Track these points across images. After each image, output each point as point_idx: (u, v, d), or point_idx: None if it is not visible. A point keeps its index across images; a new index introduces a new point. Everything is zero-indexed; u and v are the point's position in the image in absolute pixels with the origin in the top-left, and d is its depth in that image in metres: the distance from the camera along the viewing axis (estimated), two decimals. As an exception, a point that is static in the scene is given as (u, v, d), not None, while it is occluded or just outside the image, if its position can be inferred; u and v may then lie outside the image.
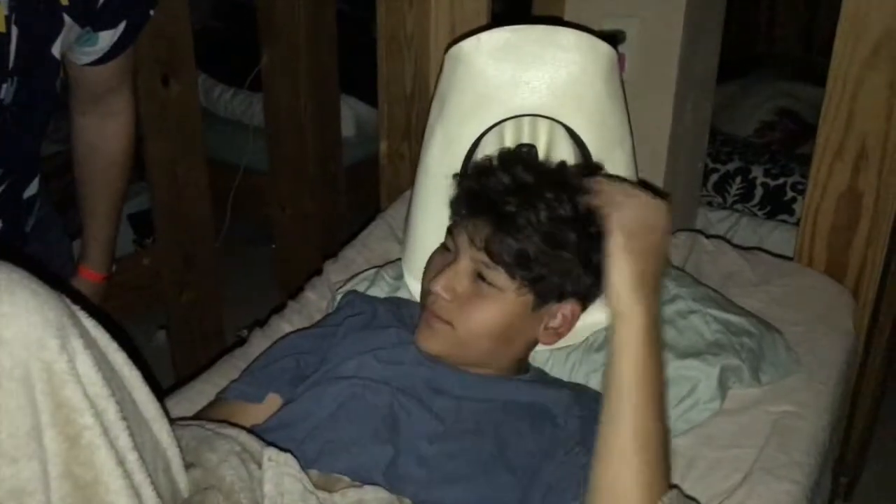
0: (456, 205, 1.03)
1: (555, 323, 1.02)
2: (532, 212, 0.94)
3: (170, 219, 2.00)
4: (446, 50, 1.18)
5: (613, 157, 1.14)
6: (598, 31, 1.47)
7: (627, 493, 0.84)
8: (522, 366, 1.07)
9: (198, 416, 1.03)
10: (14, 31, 0.98)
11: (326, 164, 2.45)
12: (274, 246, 2.49)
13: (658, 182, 1.57)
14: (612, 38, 1.49)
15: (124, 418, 0.70)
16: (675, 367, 1.08)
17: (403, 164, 1.63)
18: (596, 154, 1.13)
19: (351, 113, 2.60)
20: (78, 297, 0.76)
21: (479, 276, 0.98)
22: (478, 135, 1.13)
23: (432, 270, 1.02)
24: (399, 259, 1.28)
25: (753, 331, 1.16)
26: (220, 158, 2.65)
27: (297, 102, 2.24)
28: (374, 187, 1.77)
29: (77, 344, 0.66)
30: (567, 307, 1.01)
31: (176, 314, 2.11)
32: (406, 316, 1.11)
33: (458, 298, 0.98)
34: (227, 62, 2.69)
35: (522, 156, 1.06)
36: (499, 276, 0.97)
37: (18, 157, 1.16)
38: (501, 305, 0.98)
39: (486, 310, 0.98)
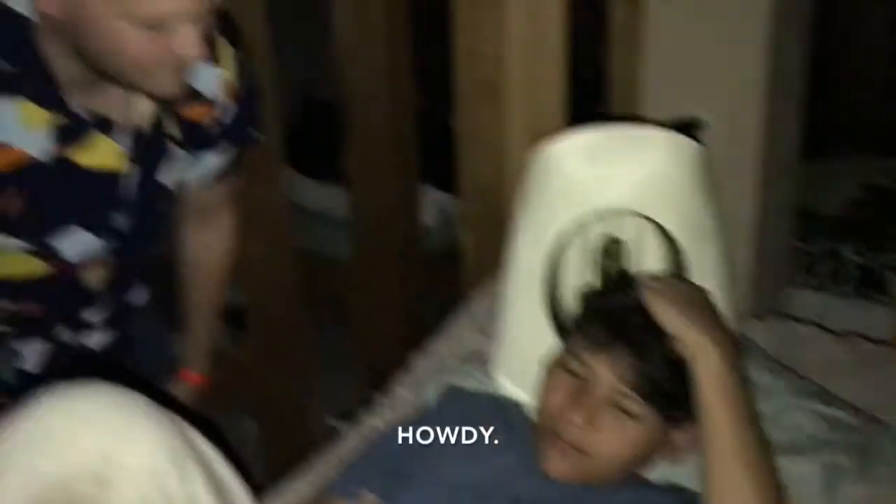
0: (585, 327, 1.04)
1: (680, 442, 1.03)
2: (666, 339, 0.98)
3: (261, 313, 2.07)
4: (530, 149, 1.21)
5: (703, 252, 1.15)
6: (675, 119, 1.50)
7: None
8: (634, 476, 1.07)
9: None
10: (133, 169, 1.05)
11: (408, 253, 2.51)
12: (356, 332, 2.54)
13: (744, 266, 1.56)
14: (692, 126, 1.51)
15: None
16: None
17: (485, 255, 1.66)
18: (685, 249, 1.13)
19: (431, 202, 2.66)
20: (180, 405, 0.80)
21: (617, 406, 0.99)
22: (565, 233, 1.15)
23: (557, 392, 1.01)
24: (487, 355, 1.30)
25: (860, 425, 1.12)
26: (306, 249, 2.75)
27: (379, 194, 2.31)
28: (454, 274, 1.80)
29: (193, 469, 0.69)
30: (693, 427, 1.01)
31: (265, 405, 2.16)
32: (512, 419, 1.11)
33: (594, 426, 0.98)
34: (314, 158, 2.80)
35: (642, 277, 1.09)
36: (639, 406, 0.98)
37: (134, 277, 1.24)
38: (639, 433, 0.99)
39: (625, 439, 0.99)
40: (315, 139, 2.91)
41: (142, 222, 1.12)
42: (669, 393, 0.97)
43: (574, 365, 1.02)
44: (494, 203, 1.65)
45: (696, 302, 1.01)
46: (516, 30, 1.53)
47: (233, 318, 2.38)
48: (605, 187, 1.13)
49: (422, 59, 2.23)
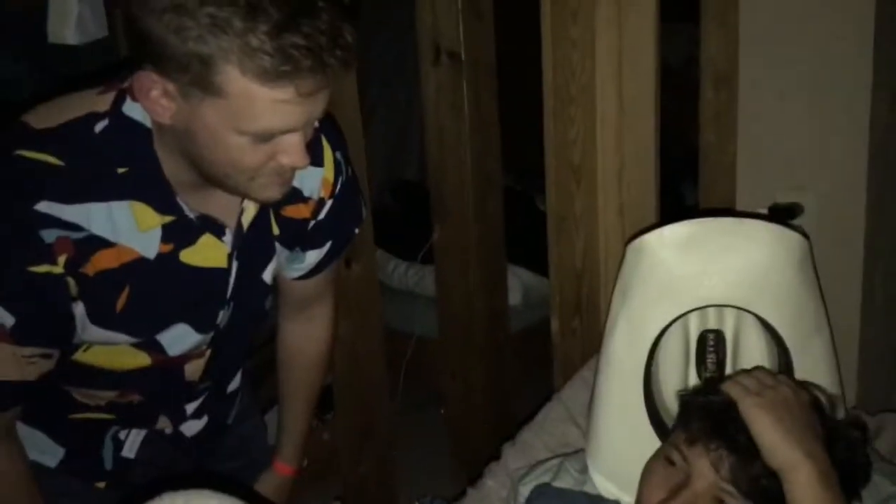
0: (685, 422, 1.01)
1: None
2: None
3: (349, 393, 2.07)
4: (627, 243, 1.20)
5: (811, 346, 1.10)
6: (773, 205, 1.46)
7: None
8: None
9: None
10: (234, 265, 1.08)
11: (494, 332, 2.48)
12: (443, 412, 2.52)
13: (850, 362, 1.48)
14: (789, 213, 1.46)
15: None
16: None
17: (575, 341, 1.64)
18: (791, 344, 1.09)
19: (517, 282, 2.65)
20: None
21: (717, 500, 0.96)
22: (663, 326, 1.12)
23: (657, 488, 1.00)
24: (581, 450, 1.26)
25: None
26: (393, 327, 2.76)
27: (466, 274, 2.31)
28: (541, 355, 1.78)
29: None
30: None
31: (352, 486, 2.14)
32: None
33: None
34: (402, 238, 2.84)
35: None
36: (739, 503, 0.95)
37: (231, 367, 1.26)
38: None
39: None
40: (403, 219, 2.95)
41: (241, 316, 1.14)
42: (769, 492, 0.92)
43: (675, 457, 0.99)
44: (585, 288, 1.63)
45: (792, 408, 0.95)
46: (607, 114, 1.53)
47: (321, 398, 2.41)
48: (704, 281, 1.10)
49: (510, 139, 2.25)
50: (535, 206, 2.85)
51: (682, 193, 2.64)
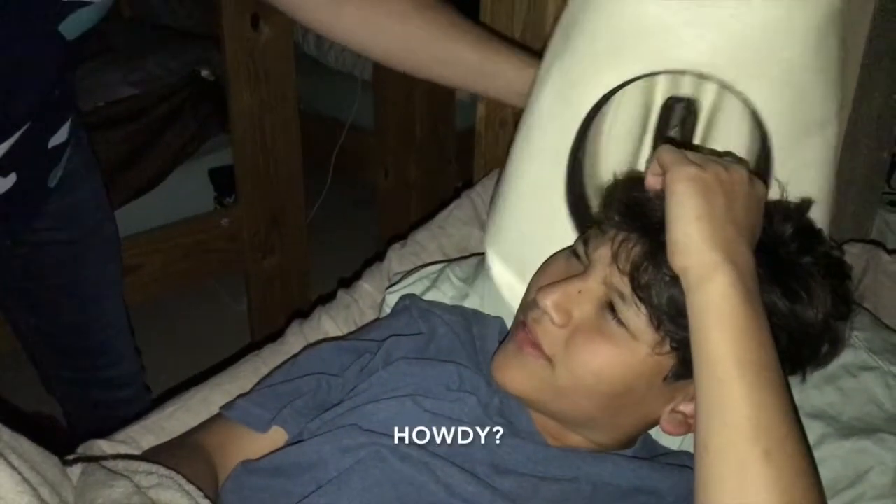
0: (607, 207, 0.75)
1: (688, 409, 0.73)
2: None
3: (253, 175, 1.82)
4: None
5: (806, 146, 0.82)
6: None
7: None
8: (626, 441, 0.78)
9: (192, 434, 0.81)
10: None
11: (436, 126, 2.22)
12: (375, 211, 2.29)
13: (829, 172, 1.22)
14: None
15: None
16: (837, 447, 0.76)
17: (505, 132, 1.35)
18: (781, 139, 0.81)
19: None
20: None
21: (610, 308, 0.71)
22: (611, 88, 0.83)
23: (549, 275, 0.76)
24: (473, 255, 1.02)
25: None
26: (327, 113, 2.47)
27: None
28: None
29: None
30: None
31: (257, 279, 1.94)
32: (477, 340, 0.85)
33: (571, 327, 0.71)
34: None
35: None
36: (636, 316, 0.69)
37: (15, 93, 0.97)
38: (626, 356, 0.70)
39: (603, 354, 0.70)
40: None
41: (10, 33, 0.84)
42: (682, 314, 0.66)
43: (580, 248, 0.76)
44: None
45: (736, 199, 0.66)
46: None
47: (220, 179, 2.15)
48: (683, 35, 0.79)
49: None
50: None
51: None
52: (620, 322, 0.70)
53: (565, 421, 0.75)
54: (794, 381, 0.73)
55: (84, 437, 0.84)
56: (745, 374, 0.61)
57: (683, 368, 0.69)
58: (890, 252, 1.12)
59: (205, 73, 2.02)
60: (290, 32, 1.79)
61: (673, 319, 0.67)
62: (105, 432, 0.85)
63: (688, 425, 0.73)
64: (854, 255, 1.09)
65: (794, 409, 0.63)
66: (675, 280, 0.66)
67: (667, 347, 0.69)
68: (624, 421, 0.75)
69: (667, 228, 0.65)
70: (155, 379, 1.42)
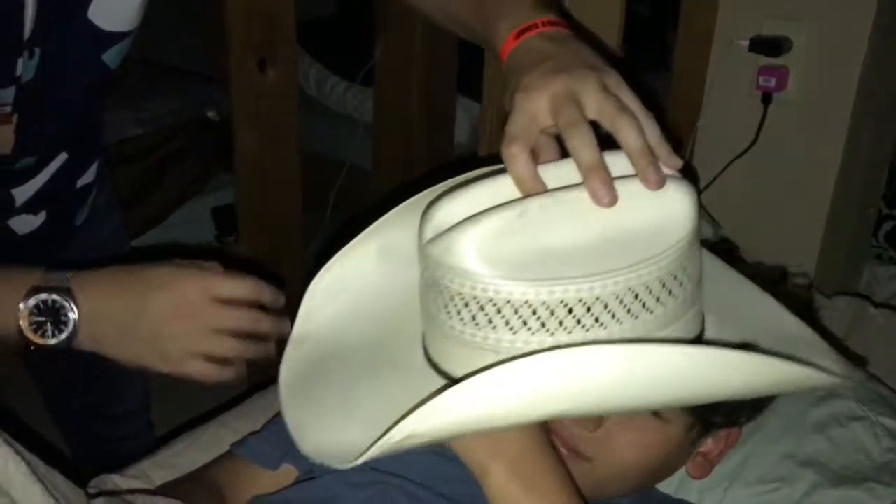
0: None
1: (706, 447, 0.78)
2: None
3: (253, 215, 1.85)
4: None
5: None
6: (755, 37, 1.21)
7: None
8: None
9: (204, 470, 0.84)
10: None
11: (435, 165, 2.27)
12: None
13: (818, 228, 1.27)
14: (775, 47, 1.21)
15: None
16: (827, 496, 0.79)
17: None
18: None
19: (466, 116, 2.39)
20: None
21: None
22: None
23: None
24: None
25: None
26: (328, 155, 2.52)
27: (409, 100, 2.05)
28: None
29: None
30: (729, 432, 0.78)
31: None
32: None
33: (603, 429, 0.71)
34: (344, 54, 2.53)
35: None
36: None
37: (51, 139, 1.01)
38: (661, 441, 0.72)
39: (641, 446, 0.72)
40: (348, 33, 2.63)
41: (59, 71, 0.88)
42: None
43: None
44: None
45: None
46: None
47: (222, 217, 2.19)
48: None
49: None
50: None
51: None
52: (654, 412, 0.71)
53: (599, 497, 0.74)
54: (790, 429, 0.78)
55: (85, 466, 0.86)
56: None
57: (705, 429, 0.74)
58: (877, 305, 1.17)
59: (210, 113, 2.07)
60: (296, 76, 1.83)
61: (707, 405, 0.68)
62: (107, 462, 0.87)
63: (710, 462, 0.78)
64: (842, 308, 1.13)
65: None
66: None
67: (699, 427, 0.73)
68: (652, 483, 0.79)
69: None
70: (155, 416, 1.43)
